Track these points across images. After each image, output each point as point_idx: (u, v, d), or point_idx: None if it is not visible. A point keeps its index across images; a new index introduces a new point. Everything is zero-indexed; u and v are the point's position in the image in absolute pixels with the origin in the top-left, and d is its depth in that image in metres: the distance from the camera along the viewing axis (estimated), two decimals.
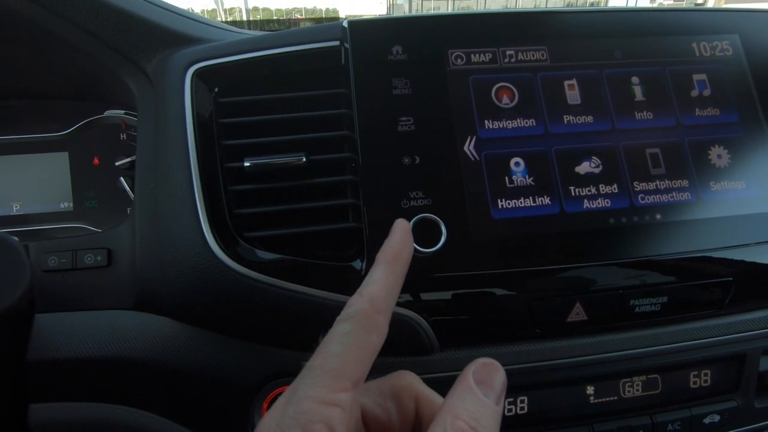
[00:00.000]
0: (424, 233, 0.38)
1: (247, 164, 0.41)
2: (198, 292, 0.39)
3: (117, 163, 0.55)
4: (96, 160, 0.57)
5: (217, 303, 0.39)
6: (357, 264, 0.39)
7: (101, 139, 0.57)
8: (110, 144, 0.57)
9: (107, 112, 0.57)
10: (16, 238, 0.27)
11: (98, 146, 0.57)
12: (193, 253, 0.38)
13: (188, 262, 0.39)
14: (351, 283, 0.39)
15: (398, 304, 0.38)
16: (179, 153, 0.41)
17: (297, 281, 0.38)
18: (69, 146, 0.56)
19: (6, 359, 0.34)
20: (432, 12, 0.48)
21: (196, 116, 0.42)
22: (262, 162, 0.41)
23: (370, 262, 0.38)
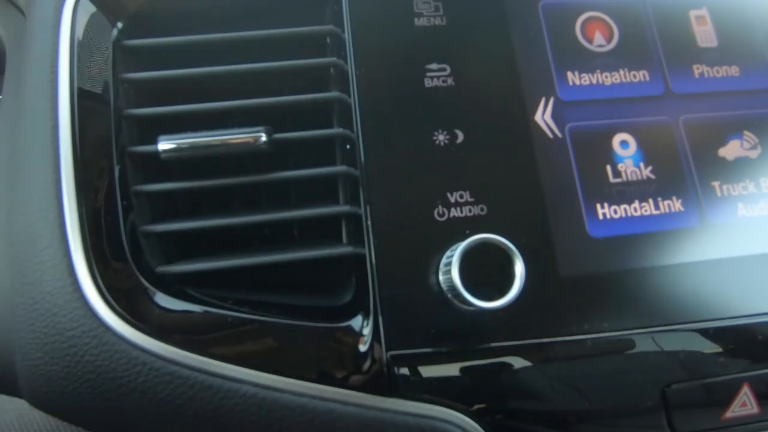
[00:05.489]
0: (477, 269, 0.21)
1: (164, 147, 0.24)
2: (70, 381, 0.21)
3: None
4: None
5: (105, 401, 0.21)
6: (356, 322, 0.22)
7: None
8: None
9: None
10: None
11: None
12: (57, 309, 0.21)
13: (50, 323, 0.22)
14: (347, 358, 0.22)
15: (428, 401, 0.22)
16: (42, 129, 0.24)
17: (251, 362, 0.21)
18: None
19: None
20: None
21: (78, 67, 0.25)
22: (190, 142, 0.24)
23: (383, 318, 0.21)
